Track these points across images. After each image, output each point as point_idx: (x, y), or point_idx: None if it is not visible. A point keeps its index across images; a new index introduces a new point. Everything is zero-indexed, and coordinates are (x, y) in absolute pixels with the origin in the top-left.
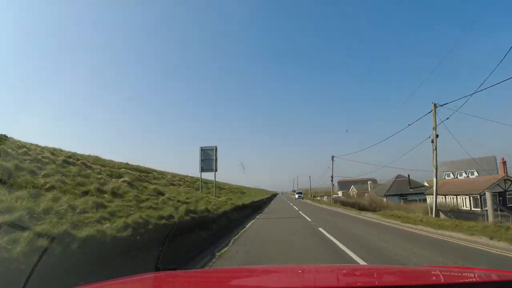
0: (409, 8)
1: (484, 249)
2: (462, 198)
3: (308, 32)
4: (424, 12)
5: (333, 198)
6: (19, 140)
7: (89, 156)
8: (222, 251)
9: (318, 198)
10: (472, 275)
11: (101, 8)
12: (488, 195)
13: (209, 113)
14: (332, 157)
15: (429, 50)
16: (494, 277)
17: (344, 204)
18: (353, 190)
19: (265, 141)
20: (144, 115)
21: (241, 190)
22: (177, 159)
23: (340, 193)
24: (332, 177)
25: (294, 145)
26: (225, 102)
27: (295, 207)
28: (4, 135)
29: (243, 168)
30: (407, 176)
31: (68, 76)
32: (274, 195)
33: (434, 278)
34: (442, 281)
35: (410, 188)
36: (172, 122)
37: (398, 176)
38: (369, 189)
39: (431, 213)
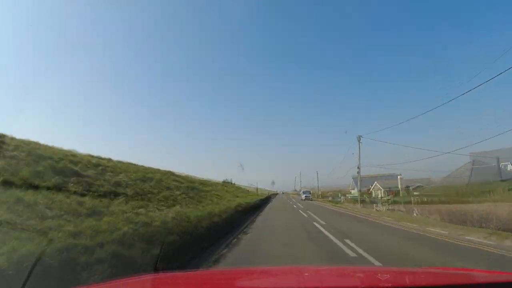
0: (409, 8)
1: None
2: None
3: (308, 32)
4: (424, 12)
5: (359, 199)
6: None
7: None
8: None
9: (330, 198)
10: (471, 276)
11: (101, 8)
12: None
13: (209, 113)
14: (359, 138)
15: (429, 50)
16: (494, 278)
17: (451, 215)
18: (376, 187)
19: (265, 141)
20: (143, 115)
21: (200, 186)
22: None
23: (353, 192)
24: (358, 167)
25: (294, 145)
26: (225, 102)
27: (330, 235)
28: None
29: (242, 169)
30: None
31: (68, 76)
32: (273, 195)
33: (434, 279)
34: (442, 282)
35: (502, 181)
36: (172, 122)
37: (476, 163)
38: (399, 185)
39: None
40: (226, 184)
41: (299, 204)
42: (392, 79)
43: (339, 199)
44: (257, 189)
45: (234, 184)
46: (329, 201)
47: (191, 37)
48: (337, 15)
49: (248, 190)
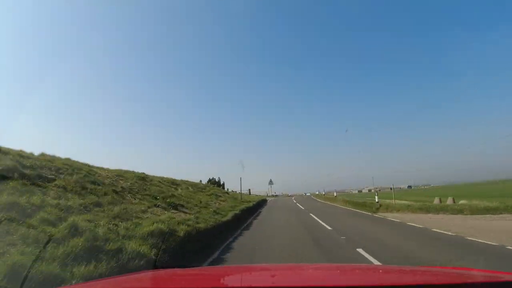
0: (409, 8)
1: None
2: None
3: (307, 33)
4: (424, 13)
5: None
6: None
7: None
8: None
9: (341, 198)
10: (471, 275)
11: (101, 8)
12: None
13: (208, 113)
14: None
15: (428, 50)
16: (494, 278)
17: None
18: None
19: (265, 142)
20: (143, 115)
21: None
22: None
23: (364, 191)
24: None
25: (294, 146)
26: (225, 102)
27: None
28: None
29: (243, 168)
30: None
31: (68, 76)
32: (272, 196)
33: (433, 278)
34: (442, 281)
35: None
36: (172, 122)
37: None
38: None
39: None
40: (187, 182)
41: (327, 226)
42: (393, 79)
43: (377, 202)
44: (241, 193)
45: (223, 184)
46: (353, 203)
47: (191, 37)
48: (337, 17)
49: (228, 193)
